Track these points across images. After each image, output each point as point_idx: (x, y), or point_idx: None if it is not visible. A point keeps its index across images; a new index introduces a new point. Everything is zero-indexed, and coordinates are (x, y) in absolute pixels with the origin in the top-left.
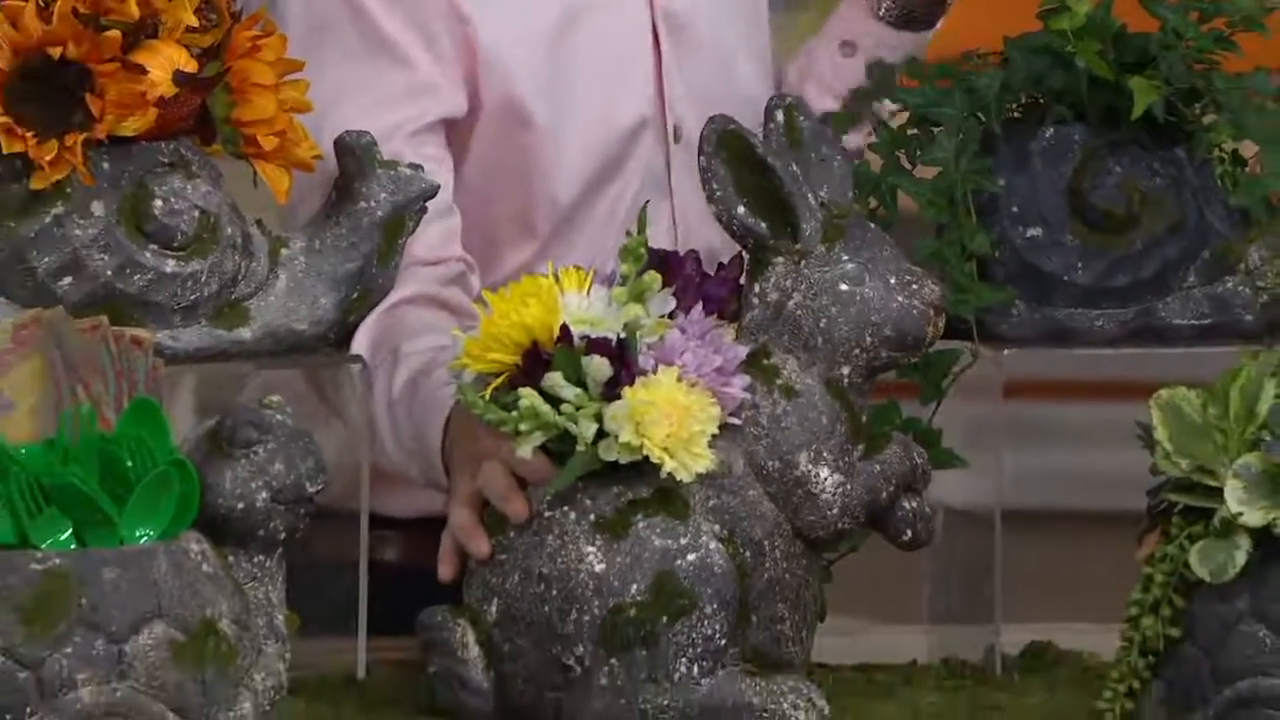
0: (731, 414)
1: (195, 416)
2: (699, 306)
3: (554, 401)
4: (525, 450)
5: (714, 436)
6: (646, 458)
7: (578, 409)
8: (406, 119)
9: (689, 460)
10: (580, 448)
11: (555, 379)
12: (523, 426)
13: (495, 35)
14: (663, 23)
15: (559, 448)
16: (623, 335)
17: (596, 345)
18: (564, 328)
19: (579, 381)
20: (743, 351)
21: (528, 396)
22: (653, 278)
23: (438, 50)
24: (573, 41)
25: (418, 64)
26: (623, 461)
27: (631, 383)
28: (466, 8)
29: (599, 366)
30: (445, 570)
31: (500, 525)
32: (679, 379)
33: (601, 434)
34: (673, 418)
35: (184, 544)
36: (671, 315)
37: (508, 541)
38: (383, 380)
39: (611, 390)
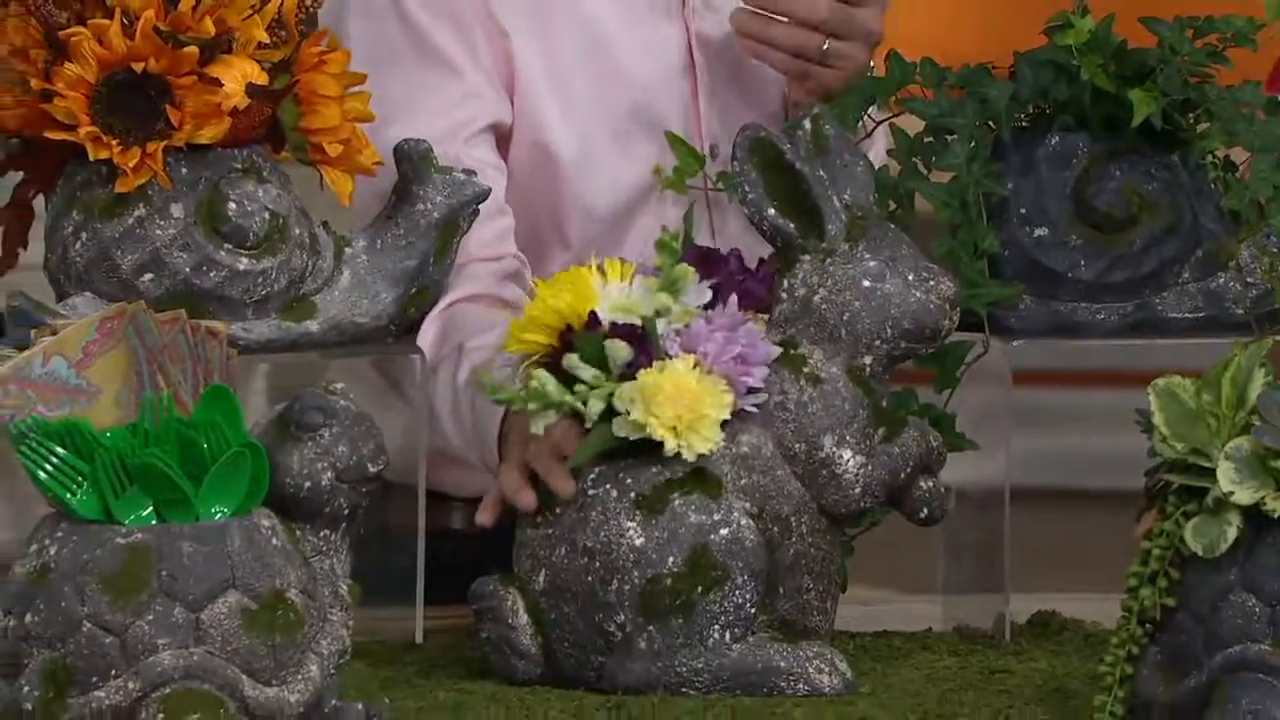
0: (753, 403)
1: (266, 402)
2: (734, 300)
3: (575, 382)
4: (538, 427)
5: (744, 422)
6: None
7: (592, 389)
8: (460, 124)
9: (694, 440)
10: (595, 425)
11: (573, 360)
12: (531, 405)
13: (529, 52)
14: (698, 47)
15: None
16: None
17: (619, 330)
18: (592, 313)
19: (603, 364)
20: (772, 350)
21: (537, 377)
22: (685, 270)
23: (480, 60)
24: (606, 63)
25: (465, 72)
26: (632, 438)
27: (649, 366)
28: (506, 23)
29: (617, 349)
30: (485, 516)
31: (548, 503)
32: (695, 365)
33: (615, 413)
34: (681, 400)
35: (255, 520)
36: (710, 308)
37: (554, 518)
38: (447, 374)
39: (630, 373)
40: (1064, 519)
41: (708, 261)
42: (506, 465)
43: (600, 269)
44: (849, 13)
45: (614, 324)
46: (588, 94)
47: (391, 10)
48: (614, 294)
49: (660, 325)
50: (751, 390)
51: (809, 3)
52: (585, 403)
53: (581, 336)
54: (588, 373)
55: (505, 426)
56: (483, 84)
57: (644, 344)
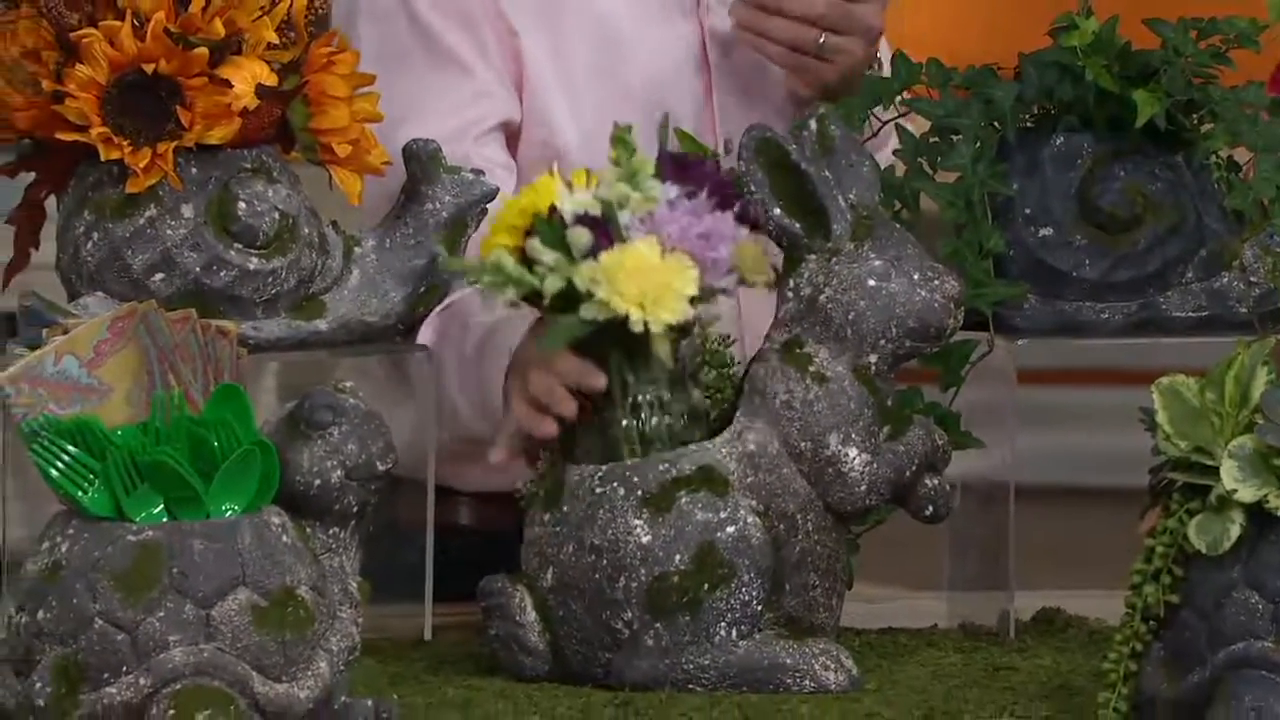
0: (721, 282)
1: (276, 401)
2: (703, 194)
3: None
4: (500, 302)
5: (751, 420)
6: (687, 442)
7: (551, 270)
8: (470, 123)
9: (660, 313)
10: (553, 306)
11: (534, 244)
12: (486, 279)
13: (539, 51)
14: (711, 44)
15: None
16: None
17: (580, 219)
18: (552, 206)
19: (565, 251)
20: (741, 231)
21: (496, 255)
22: (643, 160)
23: (490, 58)
24: (618, 61)
25: (475, 71)
26: (601, 320)
27: (610, 248)
28: (515, 23)
29: (578, 234)
30: (498, 455)
31: (554, 500)
32: (659, 245)
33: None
34: (644, 275)
35: (265, 517)
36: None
37: (561, 515)
38: (453, 352)
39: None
40: (1068, 516)
41: (683, 167)
42: (517, 401)
43: (567, 182)
44: (846, 8)
45: (575, 215)
46: (598, 92)
47: (401, 11)
48: (576, 194)
49: (624, 217)
50: (716, 264)
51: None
52: (543, 281)
53: (542, 222)
54: (549, 256)
55: (508, 373)
56: (493, 83)
57: (605, 229)
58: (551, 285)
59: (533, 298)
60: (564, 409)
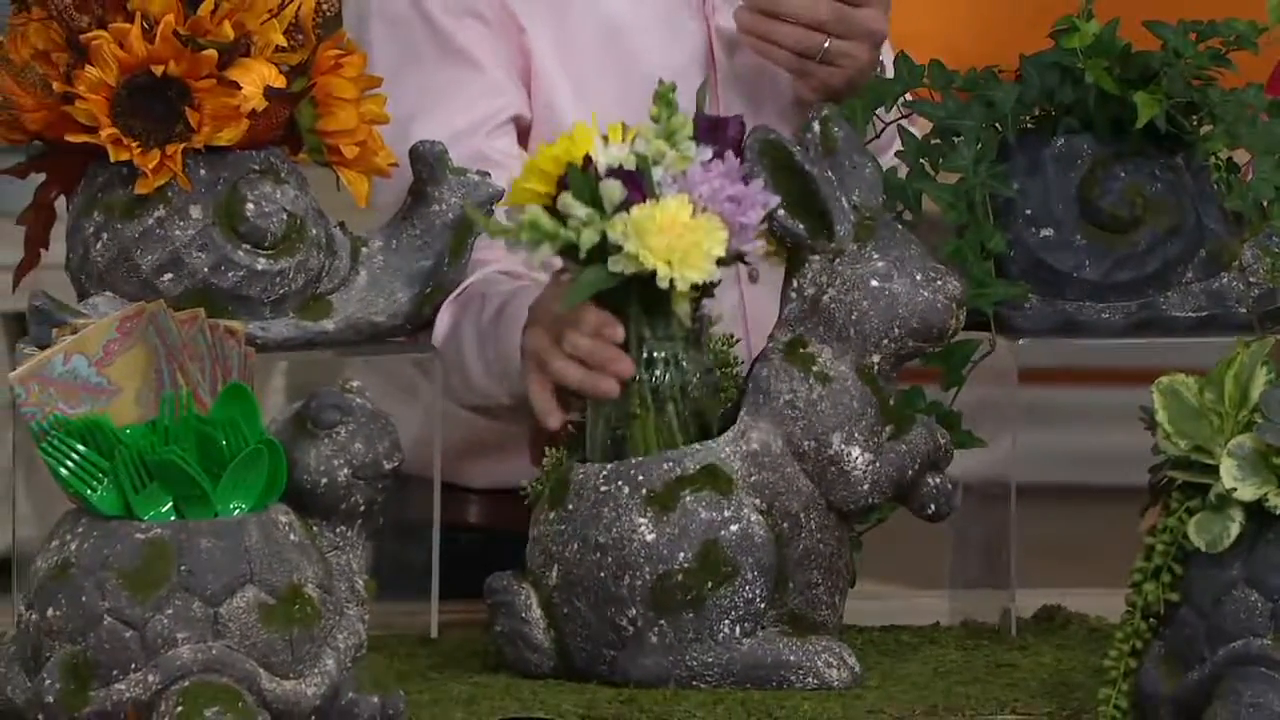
0: (749, 245)
1: (284, 400)
2: (732, 156)
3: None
4: (537, 259)
5: (755, 419)
6: (690, 440)
7: (585, 225)
8: (484, 118)
9: (687, 271)
10: (589, 262)
11: (566, 198)
12: (524, 236)
13: (546, 46)
14: (718, 42)
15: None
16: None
17: (613, 172)
18: (586, 157)
19: (597, 205)
20: (772, 199)
21: (530, 212)
22: (682, 119)
23: (499, 55)
24: (625, 58)
25: (487, 68)
26: (628, 273)
27: (641, 204)
28: (523, 19)
29: (611, 187)
30: (555, 420)
31: (560, 498)
32: (690, 204)
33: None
34: (673, 231)
35: (273, 516)
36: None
37: (566, 513)
38: (471, 321)
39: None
40: (1069, 515)
41: (715, 129)
42: (563, 364)
43: (603, 135)
44: (849, 13)
45: (609, 168)
46: (605, 88)
47: (413, 12)
48: (612, 147)
49: (657, 173)
50: (745, 228)
51: (809, 3)
52: (579, 234)
53: (575, 175)
54: (581, 210)
55: (526, 328)
56: (504, 79)
57: (638, 183)
58: (588, 239)
59: (568, 252)
60: (621, 367)
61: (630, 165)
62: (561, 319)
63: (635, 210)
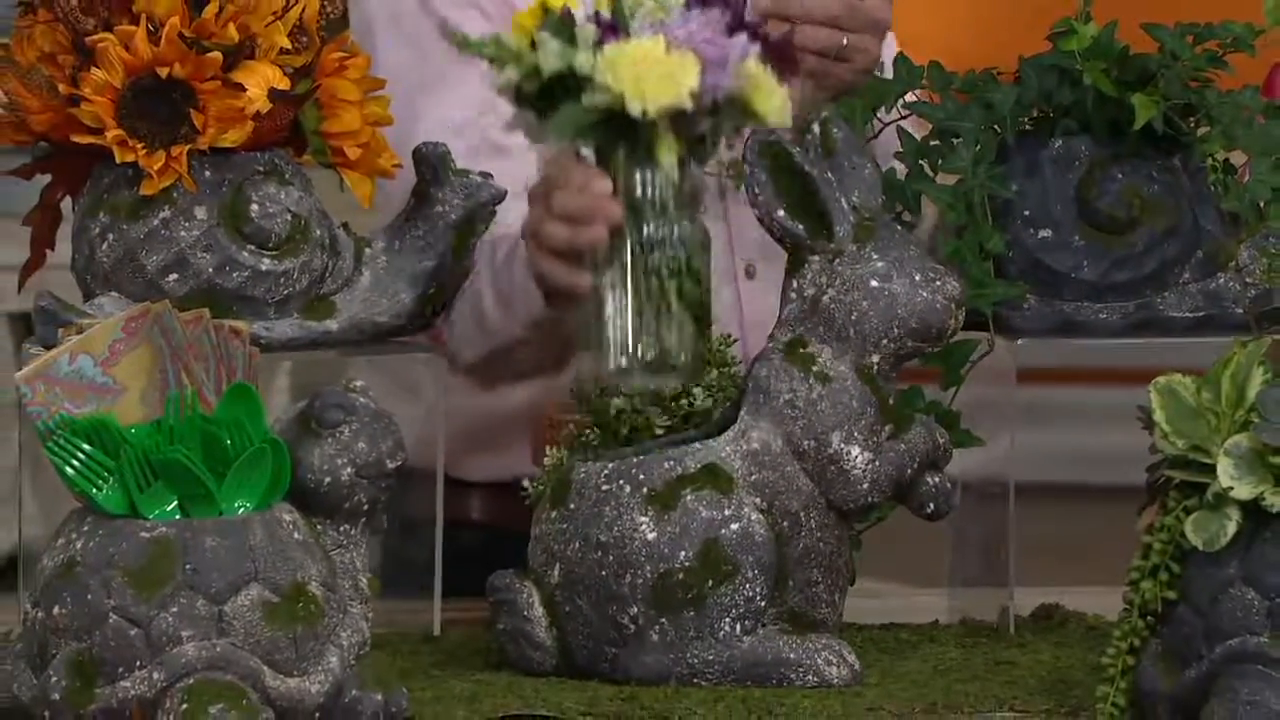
0: (723, 82)
1: (288, 400)
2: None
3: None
4: (503, 80)
5: (755, 419)
6: (691, 438)
7: (555, 56)
8: (489, 105)
9: (658, 95)
10: (550, 90)
11: (542, 36)
12: (486, 51)
13: None
14: None
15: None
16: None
17: (590, 17)
18: (565, 8)
19: (573, 44)
20: (751, 46)
21: (498, 33)
22: None
23: None
24: None
25: None
26: (601, 107)
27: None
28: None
29: (586, 29)
30: (571, 277)
31: (561, 497)
32: (664, 43)
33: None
34: (644, 65)
35: (277, 514)
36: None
37: (568, 512)
38: (486, 262)
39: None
40: (1067, 514)
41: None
42: (552, 224)
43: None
44: (857, 6)
45: (587, 15)
46: None
47: (419, 8)
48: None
49: (634, 23)
50: (721, 65)
51: (821, 1)
52: (544, 60)
53: (553, 18)
54: (554, 43)
55: (530, 203)
56: None
57: (614, 27)
58: (549, 64)
59: (531, 78)
60: (609, 211)
61: (606, 12)
62: (550, 182)
63: (609, 48)
